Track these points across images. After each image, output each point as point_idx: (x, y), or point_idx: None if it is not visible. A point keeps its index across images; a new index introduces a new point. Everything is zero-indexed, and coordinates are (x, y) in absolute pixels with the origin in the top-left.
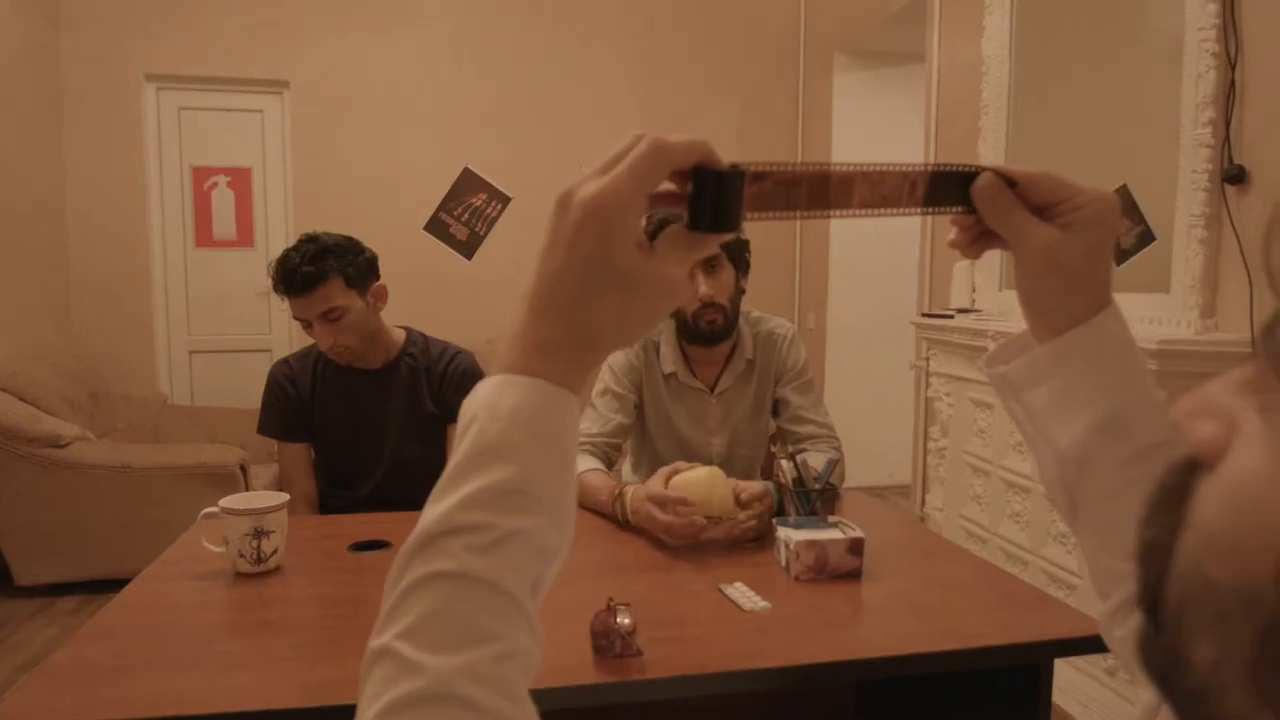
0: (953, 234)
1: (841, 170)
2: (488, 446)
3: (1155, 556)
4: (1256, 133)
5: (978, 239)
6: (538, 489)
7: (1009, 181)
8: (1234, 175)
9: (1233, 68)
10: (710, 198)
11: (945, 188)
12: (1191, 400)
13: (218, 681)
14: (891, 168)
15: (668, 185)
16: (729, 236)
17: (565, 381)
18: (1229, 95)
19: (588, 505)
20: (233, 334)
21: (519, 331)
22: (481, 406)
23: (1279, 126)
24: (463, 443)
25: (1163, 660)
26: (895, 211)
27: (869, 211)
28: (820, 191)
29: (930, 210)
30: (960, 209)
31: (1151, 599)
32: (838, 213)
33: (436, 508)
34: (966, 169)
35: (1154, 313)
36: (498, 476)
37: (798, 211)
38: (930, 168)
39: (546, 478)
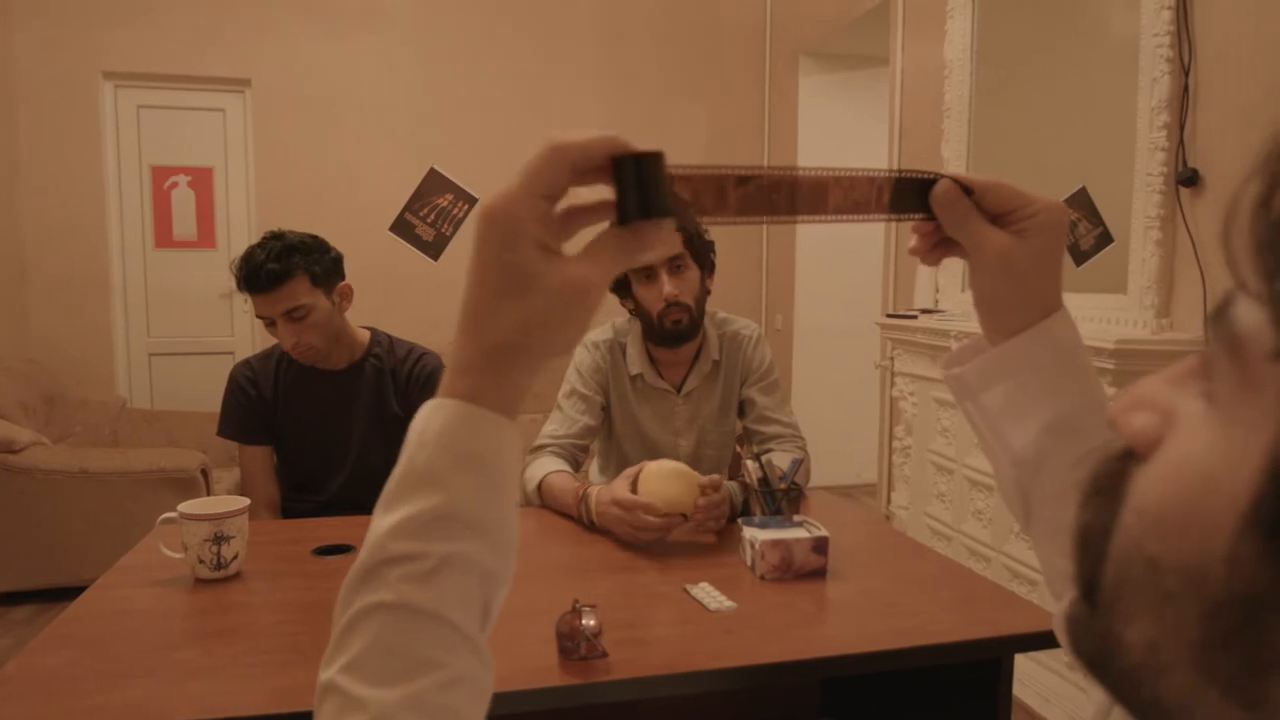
0: (913, 241)
1: (815, 176)
2: (415, 473)
3: (1093, 539)
4: (1209, 136)
5: (937, 246)
6: (468, 514)
7: (966, 189)
8: (1187, 178)
9: (1186, 73)
10: (634, 184)
11: (905, 195)
12: (1126, 396)
13: (177, 690)
14: (861, 173)
15: (606, 195)
16: (669, 229)
17: (490, 400)
18: (1183, 100)
19: (554, 507)
20: (194, 336)
21: (451, 354)
22: (413, 431)
23: (1231, 130)
24: (397, 468)
25: (1096, 643)
26: (862, 218)
27: (841, 218)
28: (798, 197)
29: (893, 217)
30: (920, 216)
31: (1088, 581)
32: (804, 218)
33: (373, 532)
34: (925, 176)
35: (1111, 312)
36: (425, 504)
37: (765, 216)
38: (892, 174)
39: (477, 501)
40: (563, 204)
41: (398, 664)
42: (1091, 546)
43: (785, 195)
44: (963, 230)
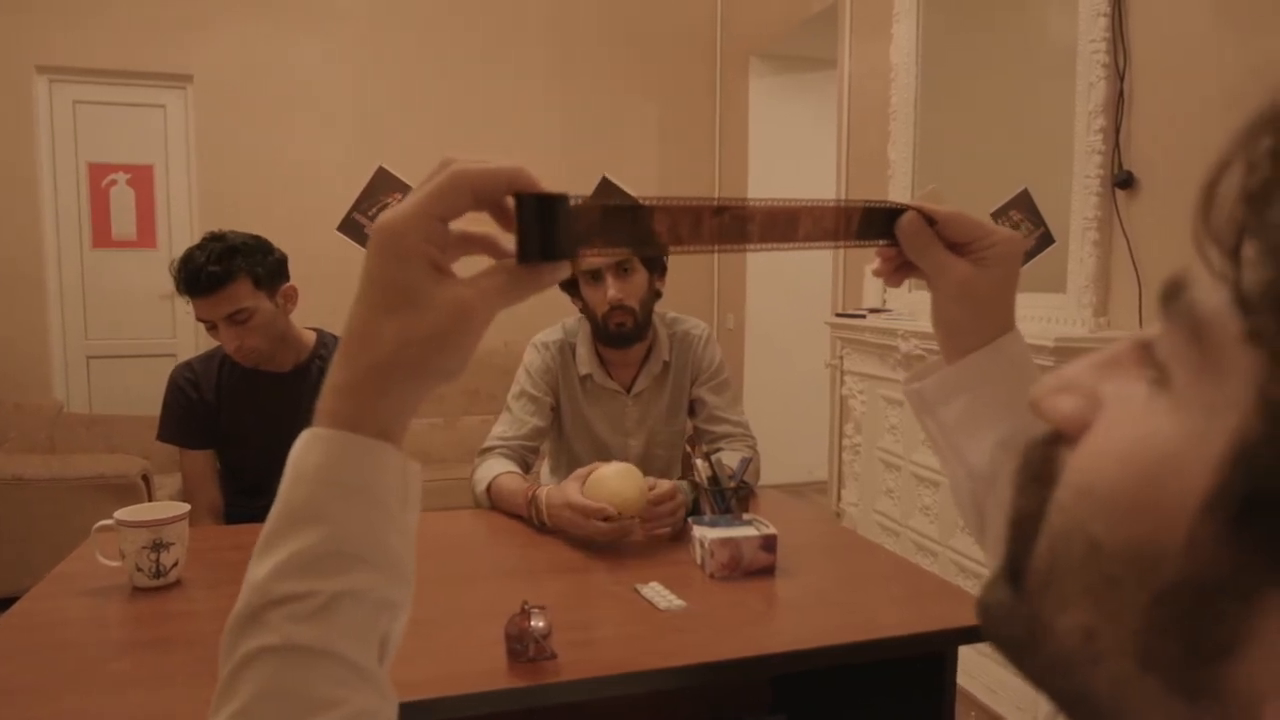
0: (876, 263)
1: (787, 206)
2: (292, 512)
3: (1026, 524)
4: (1144, 140)
5: (899, 269)
6: (357, 547)
7: (929, 219)
8: (1123, 180)
9: (1121, 78)
10: (535, 224)
11: (872, 223)
12: (1049, 380)
13: (115, 701)
14: (831, 203)
15: (489, 226)
16: (564, 272)
17: (369, 426)
18: (1118, 104)
19: (504, 508)
20: (134, 338)
21: (329, 375)
22: (290, 466)
23: (1165, 134)
24: (272, 509)
25: (1019, 630)
26: (830, 244)
27: (809, 244)
28: (771, 226)
29: (859, 243)
30: (885, 242)
31: (1015, 564)
32: (774, 246)
33: (251, 577)
34: (892, 206)
35: (1051, 311)
36: (309, 541)
37: (738, 245)
38: (861, 204)
39: (365, 533)
40: (455, 226)
41: (289, 706)
42: (1023, 530)
43: (758, 224)
44: (925, 258)
